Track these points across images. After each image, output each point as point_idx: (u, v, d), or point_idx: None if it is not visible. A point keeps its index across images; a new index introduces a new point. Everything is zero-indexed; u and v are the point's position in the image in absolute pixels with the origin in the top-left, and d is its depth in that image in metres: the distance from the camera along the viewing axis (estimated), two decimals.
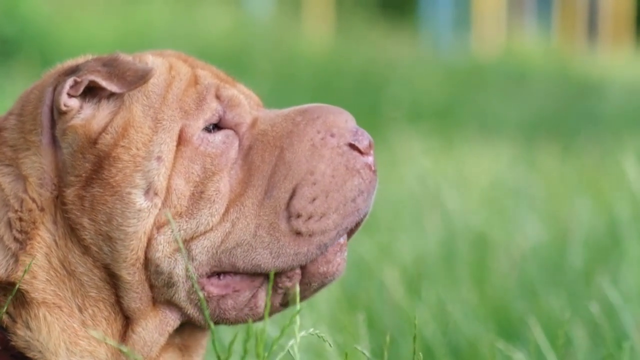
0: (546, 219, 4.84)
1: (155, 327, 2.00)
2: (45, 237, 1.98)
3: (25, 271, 1.96)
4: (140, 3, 12.26)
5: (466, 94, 11.24)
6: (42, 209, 1.98)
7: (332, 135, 2.05)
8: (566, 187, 5.86)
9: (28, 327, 1.96)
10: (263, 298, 2.01)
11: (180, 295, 1.99)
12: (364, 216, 2.06)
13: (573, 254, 4.12)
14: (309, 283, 2.02)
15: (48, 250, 1.98)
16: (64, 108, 1.99)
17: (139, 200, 1.96)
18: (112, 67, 2.00)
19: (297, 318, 1.92)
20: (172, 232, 1.97)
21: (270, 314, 2.03)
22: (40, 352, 1.95)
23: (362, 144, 2.06)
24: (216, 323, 2.02)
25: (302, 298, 2.03)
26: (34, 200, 1.99)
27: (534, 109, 10.70)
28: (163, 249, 1.97)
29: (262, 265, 1.99)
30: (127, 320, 2.00)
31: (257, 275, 2.00)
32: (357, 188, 2.03)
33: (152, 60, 2.06)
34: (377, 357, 2.70)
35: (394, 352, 3.21)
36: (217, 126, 2.04)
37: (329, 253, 2.02)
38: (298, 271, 2.01)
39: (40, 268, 1.97)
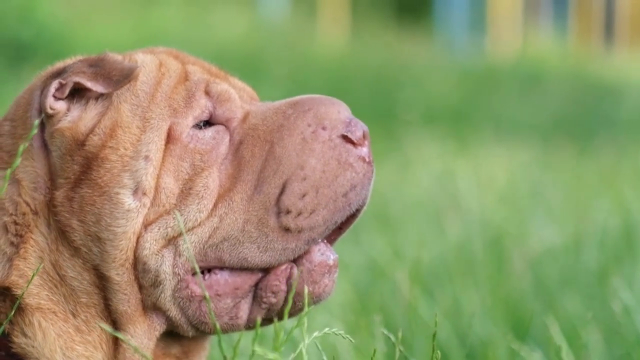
0: (562, 220, 4.82)
1: (144, 332, 1.98)
2: (38, 241, 1.98)
3: (29, 282, 1.95)
4: (155, 7, 12.30)
5: (481, 97, 11.22)
6: (35, 213, 1.98)
7: (324, 128, 2.00)
8: (582, 189, 5.84)
9: (24, 334, 1.95)
10: (245, 310, 1.98)
11: (166, 295, 1.97)
12: (361, 208, 2.01)
13: (588, 255, 4.10)
14: (294, 302, 1.98)
15: (41, 254, 1.97)
16: (50, 111, 1.98)
17: (128, 200, 1.94)
18: (98, 68, 1.99)
19: (305, 319, 1.90)
20: (159, 229, 1.95)
21: (252, 328, 1.99)
22: (37, 358, 1.93)
23: (355, 135, 2.01)
24: (197, 328, 1.99)
25: (288, 316, 1.99)
26: (27, 204, 1.98)
27: (549, 112, 10.67)
28: (150, 247, 1.95)
29: (249, 259, 1.96)
30: (115, 327, 1.98)
31: (242, 284, 1.97)
32: (350, 183, 1.99)
33: (141, 58, 2.05)
34: (390, 358, 2.69)
35: (407, 353, 3.20)
36: (208, 122, 2.02)
37: (316, 273, 1.98)
38: (284, 287, 1.97)
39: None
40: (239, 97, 2.06)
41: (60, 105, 1.99)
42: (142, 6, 12.22)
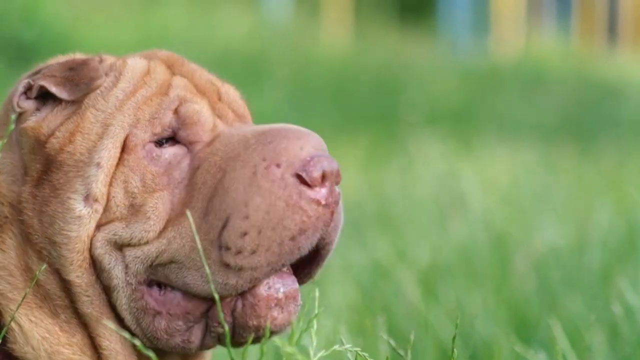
0: (565, 221, 4.82)
1: (114, 336, 1.94)
2: (17, 233, 1.96)
3: (31, 285, 1.93)
4: (158, 7, 12.29)
5: (484, 97, 11.22)
6: (12, 205, 1.97)
7: (278, 165, 1.88)
8: (585, 189, 5.84)
9: (8, 335, 1.92)
10: (197, 335, 1.93)
11: (122, 303, 1.93)
12: (327, 246, 1.90)
13: (592, 256, 4.10)
14: (241, 334, 1.91)
15: (19, 251, 1.95)
16: (17, 109, 1.98)
17: (79, 206, 1.92)
18: (73, 72, 1.97)
19: (315, 322, 1.89)
20: (108, 232, 1.92)
21: (204, 349, 1.96)
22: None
23: (311, 176, 1.88)
24: (151, 341, 1.94)
25: (239, 344, 1.94)
26: (5, 196, 1.97)
27: (552, 112, 10.66)
28: (102, 246, 1.93)
29: (191, 286, 1.91)
30: (88, 331, 1.94)
31: (193, 310, 1.92)
32: (298, 227, 1.87)
33: (131, 63, 2.02)
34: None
35: (411, 354, 3.19)
36: (174, 140, 1.96)
37: (259, 307, 1.90)
38: (229, 319, 1.90)
39: (16, 267, 1.95)
40: (214, 117, 1.99)
41: (29, 105, 1.98)
42: (145, 6, 12.22)
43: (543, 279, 3.90)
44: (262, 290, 1.90)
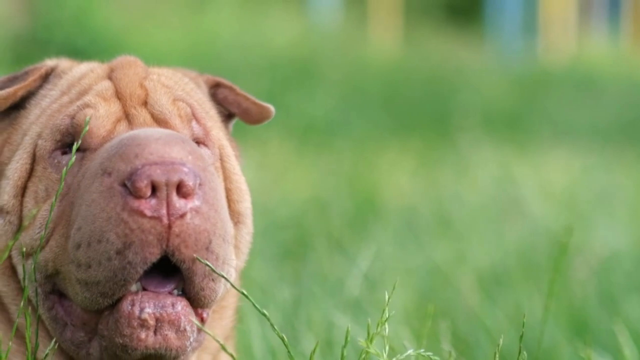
0: (626, 225, 4.75)
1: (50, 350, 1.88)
2: None
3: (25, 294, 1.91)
4: (209, 13, 12.35)
5: (536, 100, 11.13)
6: None
7: (109, 174, 1.78)
8: None
9: None
10: (96, 348, 1.84)
11: (41, 312, 1.90)
12: (184, 265, 1.76)
13: None
14: (114, 352, 1.82)
15: None
16: None
17: None
18: (10, 83, 1.95)
19: (386, 326, 1.85)
20: (20, 241, 1.90)
21: None
22: None
23: (135, 185, 1.75)
24: (67, 353, 1.89)
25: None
26: None
27: (606, 116, 10.55)
28: (15, 255, 1.91)
29: (71, 298, 1.85)
30: (22, 340, 1.91)
31: (89, 320, 1.85)
32: (121, 240, 1.75)
33: (74, 69, 1.99)
34: None
35: (470, 358, 3.17)
36: (79, 148, 1.90)
37: (121, 325, 1.79)
38: (106, 333, 1.82)
39: None
40: (119, 122, 1.91)
41: None
42: (195, 12, 12.28)
43: (604, 284, 3.84)
44: (124, 306, 1.80)
